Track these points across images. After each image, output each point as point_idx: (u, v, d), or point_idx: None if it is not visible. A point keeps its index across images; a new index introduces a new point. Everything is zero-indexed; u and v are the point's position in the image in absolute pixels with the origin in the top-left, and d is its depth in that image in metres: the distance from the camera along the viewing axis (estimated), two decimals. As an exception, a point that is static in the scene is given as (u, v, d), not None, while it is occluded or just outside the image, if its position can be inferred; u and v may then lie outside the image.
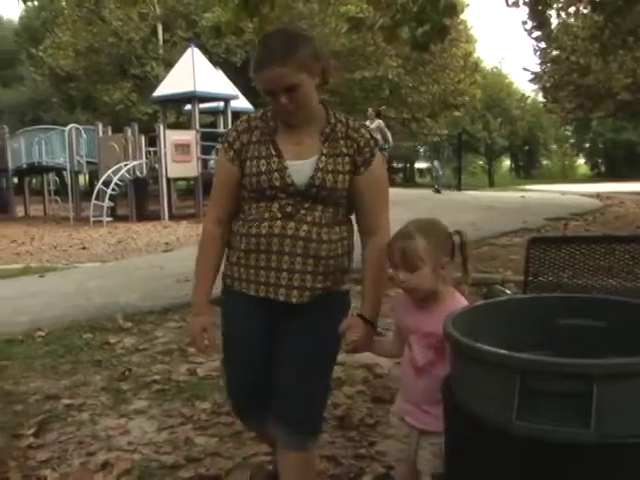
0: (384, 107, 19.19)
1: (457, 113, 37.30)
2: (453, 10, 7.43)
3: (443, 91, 32.40)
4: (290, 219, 2.22)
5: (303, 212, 2.24)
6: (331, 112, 2.35)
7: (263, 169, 2.23)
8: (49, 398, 3.95)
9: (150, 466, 3.03)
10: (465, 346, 1.66)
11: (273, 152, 2.25)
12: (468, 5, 32.61)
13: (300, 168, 2.23)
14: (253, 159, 2.26)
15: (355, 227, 2.44)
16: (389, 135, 17.35)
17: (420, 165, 60.02)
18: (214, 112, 24.51)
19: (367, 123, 17.99)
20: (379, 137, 17.28)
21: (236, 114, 24.42)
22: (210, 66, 22.82)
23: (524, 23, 14.14)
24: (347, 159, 2.27)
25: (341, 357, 4.35)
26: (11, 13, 63.32)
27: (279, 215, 2.22)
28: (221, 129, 23.09)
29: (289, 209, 2.22)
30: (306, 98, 2.22)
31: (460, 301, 2.13)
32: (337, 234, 2.32)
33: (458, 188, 19.45)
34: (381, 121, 18.04)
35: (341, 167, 2.26)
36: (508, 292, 5.20)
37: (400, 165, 53.95)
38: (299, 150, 2.25)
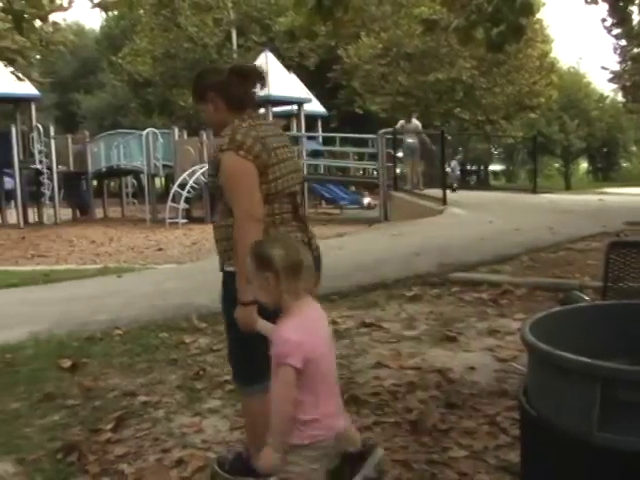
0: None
1: (532, 115, 36.60)
2: (529, 9, 7.28)
3: (518, 92, 31.83)
4: None
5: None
6: (231, 128, 2.74)
7: None
8: (126, 395, 4.03)
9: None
10: (543, 353, 1.63)
11: None
12: (544, 4, 31.92)
13: None
14: None
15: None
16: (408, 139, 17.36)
17: (495, 167, 59.18)
18: (288, 115, 24.71)
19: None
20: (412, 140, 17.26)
21: (309, 117, 24.60)
22: (284, 70, 23.02)
23: (603, 20, 13.82)
24: (212, 165, 2.80)
25: (414, 362, 4.35)
26: (92, 23, 65.72)
27: None
28: (294, 132, 23.25)
29: None
30: (207, 119, 2.90)
31: (290, 316, 2.14)
32: (226, 222, 2.73)
33: (534, 191, 19.02)
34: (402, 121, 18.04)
35: (210, 172, 2.87)
36: (586, 298, 5.07)
37: (474, 167, 53.26)
38: None
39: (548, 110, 39.76)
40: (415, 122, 17.97)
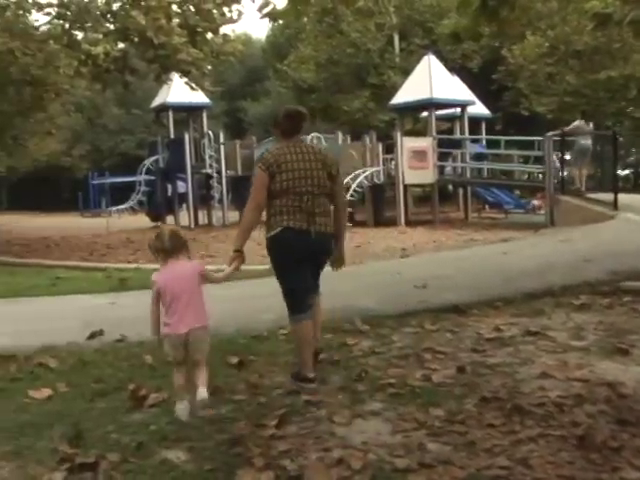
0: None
1: None
2: None
3: None
4: None
5: None
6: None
7: None
8: (290, 393, 4.15)
9: (383, 467, 3.06)
10: None
11: None
12: None
13: None
14: None
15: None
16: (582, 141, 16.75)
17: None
18: (451, 118, 24.42)
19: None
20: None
21: (473, 120, 24.17)
22: (447, 72, 22.78)
23: None
24: None
25: (582, 374, 4.17)
26: (259, 32, 68.84)
27: None
28: (458, 135, 22.94)
29: None
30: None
31: (160, 269, 4.05)
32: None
33: None
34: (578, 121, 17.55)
35: None
36: None
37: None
38: None
39: None
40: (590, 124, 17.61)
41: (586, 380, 4.08)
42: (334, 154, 5.35)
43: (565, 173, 17.13)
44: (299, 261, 4.43)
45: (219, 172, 24.08)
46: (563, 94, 29.35)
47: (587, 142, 16.68)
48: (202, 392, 3.85)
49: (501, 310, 6.11)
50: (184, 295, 3.91)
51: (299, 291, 4.45)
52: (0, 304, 8.59)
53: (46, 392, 4.37)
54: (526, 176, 22.50)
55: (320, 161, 4.44)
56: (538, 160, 19.45)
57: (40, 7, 16.73)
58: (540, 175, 19.26)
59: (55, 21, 16.76)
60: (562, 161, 17.03)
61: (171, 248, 3.98)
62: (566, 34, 28.12)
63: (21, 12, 17.28)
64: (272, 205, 4.41)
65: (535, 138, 20.82)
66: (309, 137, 22.28)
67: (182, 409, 3.84)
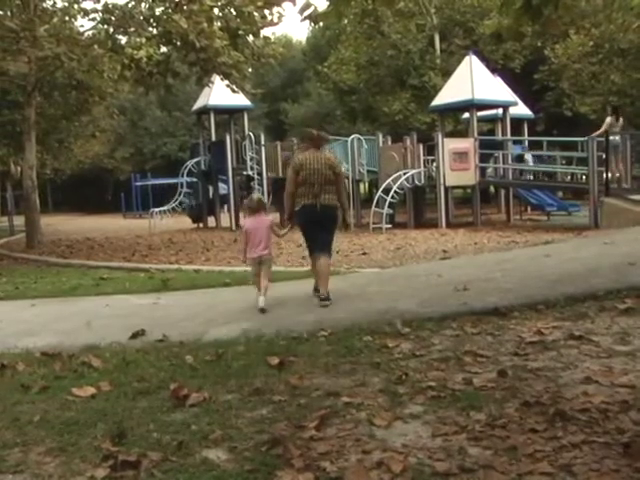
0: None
1: None
2: None
3: None
4: None
5: None
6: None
7: None
8: (330, 395, 4.13)
9: (423, 471, 3.04)
10: None
11: None
12: None
13: None
14: None
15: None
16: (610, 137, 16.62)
17: None
18: (492, 119, 24.21)
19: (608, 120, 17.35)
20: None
21: (515, 121, 23.91)
22: (488, 73, 22.59)
23: None
24: None
25: (628, 379, 4.09)
26: (299, 35, 69.32)
27: None
28: (499, 137, 22.72)
29: None
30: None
31: (246, 219, 7.80)
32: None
33: None
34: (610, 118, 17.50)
35: None
36: None
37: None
38: None
39: None
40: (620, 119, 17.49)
41: (632, 386, 3.99)
42: (338, 159, 8.19)
43: (609, 174, 16.87)
44: (312, 224, 7.18)
45: (260, 174, 24.22)
46: (607, 94, 28.90)
47: (616, 138, 16.66)
48: (261, 298, 6.81)
49: (543, 313, 6.02)
50: (259, 236, 7.03)
51: (312, 242, 7.41)
52: (46, 303, 8.77)
53: (89, 390, 4.44)
54: (569, 177, 22.13)
55: (328, 164, 7.17)
56: (581, 161, 19.18)
57: (85, 13, 17.06)
58: (584, 177, 18.97)
59: (99, 26, 17.07)
60: (606, 162, 16.77)
61: (256, 207, 7.24)
62: (611, 32, 27.69)
63: (67, 18, 17.64)
64: (298, 192, 7.17)
65: (578, 139, 20.51)
66: (349, 139, 22.32)
67: (259, 300, 6.79)
